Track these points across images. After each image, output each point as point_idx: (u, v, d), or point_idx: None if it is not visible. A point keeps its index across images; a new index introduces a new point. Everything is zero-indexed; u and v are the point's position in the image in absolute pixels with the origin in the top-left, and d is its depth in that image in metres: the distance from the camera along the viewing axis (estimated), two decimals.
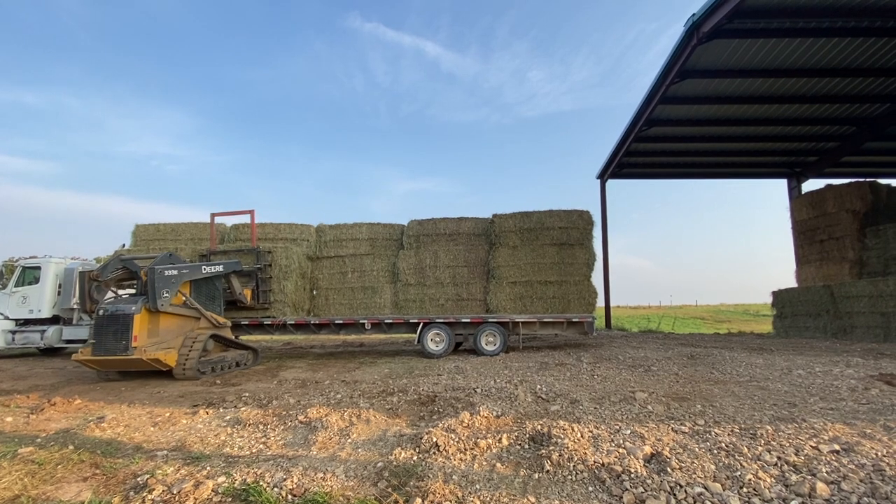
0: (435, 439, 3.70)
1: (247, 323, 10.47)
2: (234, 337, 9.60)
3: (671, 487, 2.79)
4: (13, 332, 11.47)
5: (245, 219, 12.21)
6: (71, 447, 3.99)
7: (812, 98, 14.38)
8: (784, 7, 10.68)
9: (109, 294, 8.55)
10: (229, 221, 13.72)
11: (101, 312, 7.34)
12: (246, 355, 9.29)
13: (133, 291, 8.76)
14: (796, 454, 3.26)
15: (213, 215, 11.61)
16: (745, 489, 2.76)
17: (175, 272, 7.92)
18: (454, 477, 3.11)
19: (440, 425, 4.17)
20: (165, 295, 7.61)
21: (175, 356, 7.53)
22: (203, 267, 8.81)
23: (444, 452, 3.53)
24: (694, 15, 11.14)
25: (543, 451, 3.43)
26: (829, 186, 16.12)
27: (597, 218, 13.11)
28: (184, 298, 8.24)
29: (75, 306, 11.73)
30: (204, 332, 8.29)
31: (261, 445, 4.00)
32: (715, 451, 3.38)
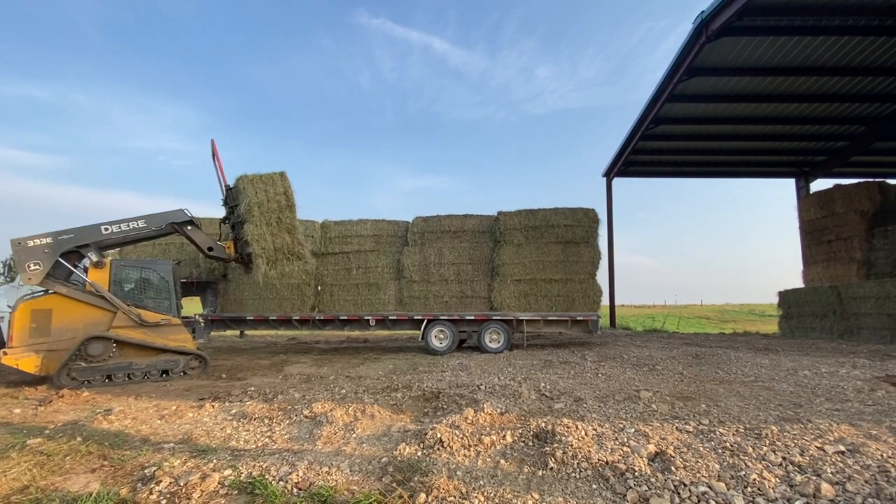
0: (439, 435, 3.71)
1: (252, 318, 10.54)
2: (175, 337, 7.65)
3: (675, 486, 2.79)
4: None
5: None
6: (79, 439, 4.03)
7: (821, 97, 14.24)
8: (794, 5, 10.57)
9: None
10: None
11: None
12: (180, 361, 7.52)
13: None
14: (801, 454, 3.25)
15: (213, 141, 8.90)
16: (749, 489, 2.76)
17: (48, 240, 6.61)
18: (458, 473, 3.13)
19: (444, 422, 4.19)
20: (34, 267, 6.43)
21: (37, 362, 6.44)
22: (103, 227, 7.17)
23: (448, 448, 3.54)
24: (703, 12, 11.05)
25: (547, 448, 3.44)
26: (837, 186, 15.97)
27: (602, 216, 13.04)
28: (88, 284, 6.94)
29: None
30: (117, 331, 7.02)
31: (266, 439, 4.03)
32: (719, 451, 3.38)
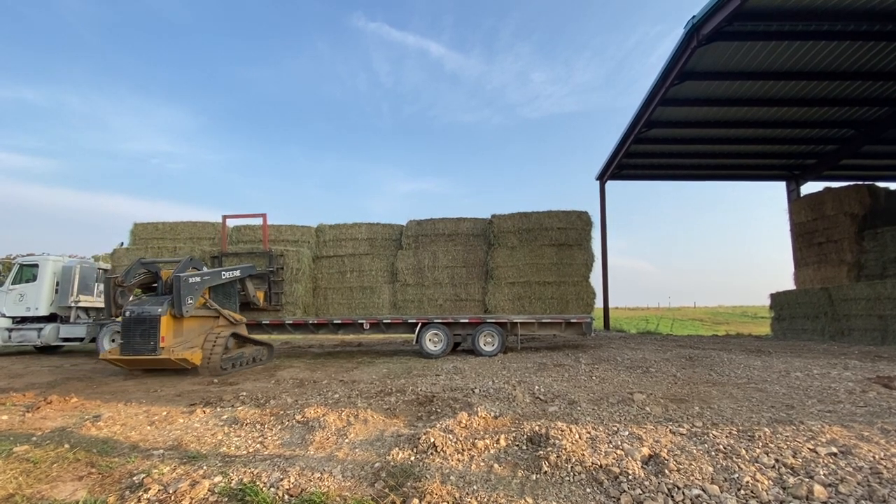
0: (432, 440, 3.68)
1: (245, 322, 10.46)
2: (248, 334, 9.66)
3: (669, 489, 2.79)
4: (10, 330, 11.43)
5: (251, 220, 12.57)
6: (67, 446, 3.97)
7: (811, 101, 14.42)
8: (784, 10, 10.70)
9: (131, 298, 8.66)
10: (232, 223, 13.51)
11: (127, 314, 7.55)
12: (262, 351, 9.52)
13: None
14: (794, 456, 3.26)
15: (224, 217, 11.85)
16: (742, 491, 2.76)
17: (198, 279, 8.19)
18: (451, 477, 3.10)
19: (438, 426, 4.16)
20: (190, 302, 7.85)
21: (200, 355, 7.80)
22: (223, 273, 9.11)
23: (441, 453, 3.52)
24: (694, 17, 11.15)
25: (541, 452, 3.42)
26: (827, 189, 16.16)
27: (596, 219, 13.12)
28: (204, 300, 8.52)
29: (72, 304, 11.70)
30: (224, 329, 8.55)
31: (258, 445, 3.98)
32: (713, 453, 3.38)
